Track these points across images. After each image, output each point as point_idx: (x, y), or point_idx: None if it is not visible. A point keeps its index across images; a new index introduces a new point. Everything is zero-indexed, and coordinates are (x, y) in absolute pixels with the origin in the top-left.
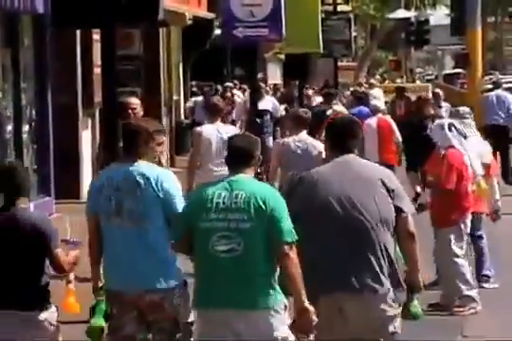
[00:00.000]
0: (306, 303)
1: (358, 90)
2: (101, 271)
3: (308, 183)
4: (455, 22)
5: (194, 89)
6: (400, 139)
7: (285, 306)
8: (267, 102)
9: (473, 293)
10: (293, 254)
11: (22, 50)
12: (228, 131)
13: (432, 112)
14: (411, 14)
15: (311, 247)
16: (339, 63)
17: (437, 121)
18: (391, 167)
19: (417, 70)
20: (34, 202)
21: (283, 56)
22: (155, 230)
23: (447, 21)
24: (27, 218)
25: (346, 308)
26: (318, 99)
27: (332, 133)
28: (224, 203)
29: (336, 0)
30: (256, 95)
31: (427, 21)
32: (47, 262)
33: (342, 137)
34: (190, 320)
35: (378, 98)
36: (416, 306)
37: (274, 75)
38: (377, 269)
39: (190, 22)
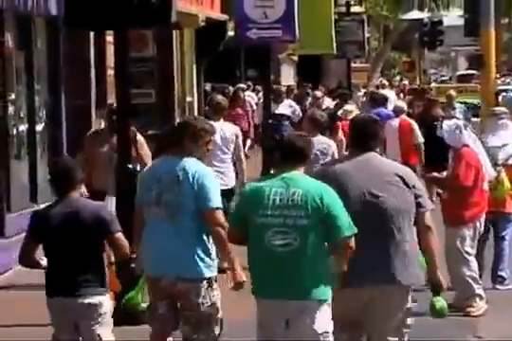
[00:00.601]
0: None
1: (375, 91)
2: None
3: (331, 177)
4: (469, 23)
5: (207, 88)
6: (422, 140)
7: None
8: (286, 107)
9: (482, 291)
10: (350, 246)
11: (35, 52)
12: (229, 129)
13: (442, 113)
14: (425, 15)
15: None
16: (353, 65)
17: (450, 122)
18: (412, 166)
19: (431, 71)
20: (49, 202)
21: (296, 57)
22: (189, 223)
23: (460, 22)
24: (82, 206)
25: (373, 299)
26: (327, 101)
27: (354, 131)
28: (281, 200)
29: (349, 1)
30: (270, 98)
31: (440, 22)
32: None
33: (364, 136)
34: (219, 315)
35: (391, 99)
36: (441, 301)
37: (287, 76)
38: (395, 262)
39: (203, 23)
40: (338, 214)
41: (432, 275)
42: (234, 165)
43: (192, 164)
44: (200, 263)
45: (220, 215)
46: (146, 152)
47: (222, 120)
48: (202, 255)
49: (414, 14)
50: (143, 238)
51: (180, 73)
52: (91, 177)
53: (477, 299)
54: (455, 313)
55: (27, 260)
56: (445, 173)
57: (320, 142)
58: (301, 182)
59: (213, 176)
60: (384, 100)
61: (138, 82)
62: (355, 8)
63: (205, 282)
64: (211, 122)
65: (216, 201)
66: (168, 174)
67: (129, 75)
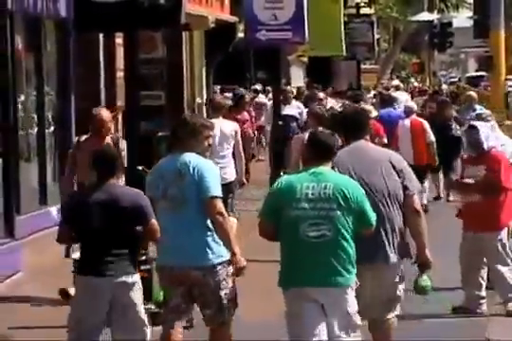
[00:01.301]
0: None
1: (384, 92)
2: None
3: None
4: (478, 24)
5: (217, 90)
6: (433, 139)
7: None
8: (293, 108)
9: None
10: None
11: (45, 54)
12: (229, 125)
13: (454, 113)
14: (434, 17)
15: None
16: (362, 66)
17: (482, 123)
18: (425, 165)
19: (440, 73)
20: (57, 205)
21: (306, 59)
22: (194, 214)
23: (470, 23)
24: (120, 192)
25: (364, 277)
26: (331, 102)
27: (346, 122)
28: (313, 193)
29: (359, 3)
30: (280, 99)
31: (450, 23)
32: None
33: (354, 126)
34: (231, 294)
35: (403, 100)
36: (426, 280)
37: (297, 78)
38: (385, 241)
39: (212, 25)
40: (365, 205)
41: (421, 254)
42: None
43: (192, 158)
44: (208, 251)
45: (219, 203)
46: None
47: (221, 118)
48: (209, 243)
49: (424, 16)
50: None
51: (190, 75)
52: (79, 186)
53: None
54: (466, 315)
55: (62, 240)
56: (468, 179)
57: None
58: (330, 176)
59: (214, 168)
60: (393, 101)
61: (148, 84)
62: (364, 10)
63: (218, 267)
64: (213, 120)
65: (215, 190)
66: (170, 170)
67: (139, 77)
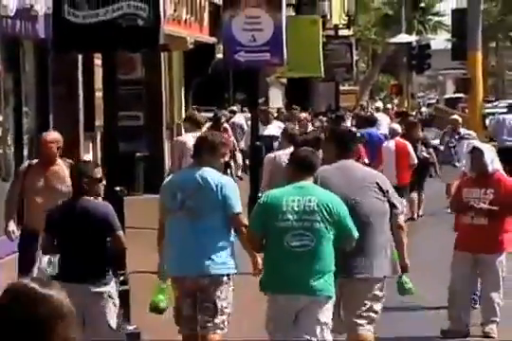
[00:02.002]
0: None
1: (362, 114)
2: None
3: (315, 182)
4: (456, 46)
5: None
6: (416, 161)
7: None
8: (275, 128)
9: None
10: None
11: (23, 74)
12: None
13: (421, 135)
14: (413, 39)
15: None
16: (341, 88)
17: (485, 145)
18: (406, 186)
19: (419, 94)
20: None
21: (284, 80)
22: (210, 226)
23: (448, 45)
24: (92, 206)
25: (344, 291)
26: (312, 124)
27: (331, 142)
28: (298, 206)
29: (337, 25)
30: (260, 120)
31: (428, 45)
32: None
33: (342, 146)
34: (230, 309)
35: (382, 122)
36: (407, 281)
37: (276, 99)
38: (370, 257)
39: (191, 46)
40: (347, 220)
41: (403, 260)
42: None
43: (213, 174)
44: (219, 261)
45: (243, 218)
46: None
47: (198, 133)
48: (221, 254)
49: (402, 38)
50: (166, 242)
51: (169, 95)
52: (24, 215)
53: (495, 326)
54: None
55: (46, 251)
56: (483, 204)
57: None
58: (314, 191)
59: (235, 185)
60: (373, 121)
61: (127, 105)
62: (343, 32)
63: (224, 278)
64: (189, 134)
65: (238, 207)
66: (190, 183)
67: (117, 97)
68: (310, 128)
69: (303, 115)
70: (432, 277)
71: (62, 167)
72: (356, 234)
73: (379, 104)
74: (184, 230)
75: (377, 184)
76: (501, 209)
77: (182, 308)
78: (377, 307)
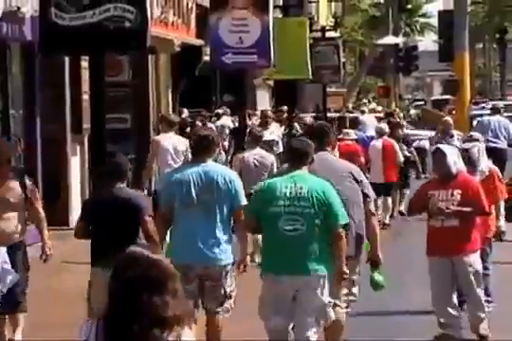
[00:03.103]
0: (345, 268)
1: (345, 115)
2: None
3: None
4: (443, 48)
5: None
6: (402, 159)
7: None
8: (274, 132)
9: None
10: (343, 232)
11: (10, 77)
12: (181, 141)
13: (402, 134)
14: (400, 40)
15: None
16: (328, 89)
17: (473, 146)
18: (392, 184)
19: (406, 96)
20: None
21: (271, 82)
22: (221, 218)
23: (435, 47)
24: (124, 194)
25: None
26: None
27: (309, 136)
28: (290, 193)
29: (324, 26)
30: (245, 122)
31: (415, 47)
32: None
33: (320, 138)
34: (235, 293)
35: (370, 123)
36: (378, 276)
37: (263, 101)
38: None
39: (178, 48)
40: (336, 205)
41: (375, 252)
42: None
43: (221, 168)
44: (227, 251)
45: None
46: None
47: (173, 133)
48: (228, 243)
49: (389, 39)
50: (176, 233)
51: (156, 98)
52: None
53: (485, 323)
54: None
55: (79, 236)
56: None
57: (260, 155)
58: (306, 179)
59: (238, 178)
60: (358, 123)
61: (114, 107)
62: (330, 34)
63: (229, 267)
64: (163, 134)
65: (244, 200)
66: (202, 177)
67: (104, 100)
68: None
69: (308, 118)
70: (422, 279)
71: (12, 178)
72: (342, 221)
73: (374, 106)
74: (198, 222)
75: (352, 174)
76: (479, 212)
77: (187, 286)
78: (355, 290)
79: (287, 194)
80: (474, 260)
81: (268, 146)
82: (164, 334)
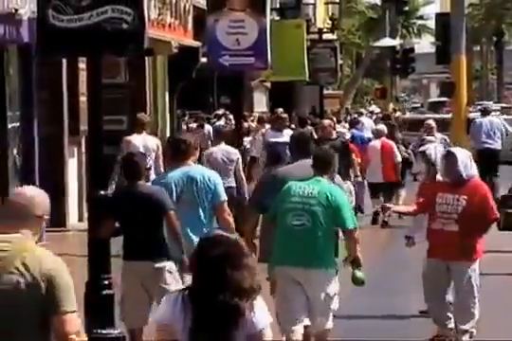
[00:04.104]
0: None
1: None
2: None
3: (280, 177)
4: (440, 50)
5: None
6: (400, 159)
7: (337, 271)
8: (289, 134)
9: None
10: (355, 235)
11: (8, 79)
12: (151, 140)
13: (400, 136)
14: (397, 43)
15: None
16: (325, 91)
17: (462, 151)
18: (392, 184)
19: (403, 98)
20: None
21: (268, 84)
22: (204, 214)
23: (432, 49)
24: (146, 190)
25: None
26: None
27: (291, 144)
28: (303, 192)
29: (321, 29)
30: (241, 123)
31: (412, 49)
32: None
33: (297, 147)
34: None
35: (367, 125)
36: (360, 273)
37: (260, 103)
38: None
39: (175, 50)
40: (343, 209)
41: (354, 254)
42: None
43: (203, 169)
44: None
45: (226, 206)
46: None
47: (144, 133)
48: None
49: (386, 42)
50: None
51: (153, 99)
52: None
53: (467, 336)
54: None
55: (104, 234)
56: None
57: (226, 150)
58: (321, 183)
59: (217, 175)
60: (356, 123)
61: (110, 109)
62: (327, 36)
63: None
64: (135, 135)
65: (225, 196)
66: (187, 178)
67: (102, 101)
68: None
69: (327, 121)
70: (418, 279)
71: None
72: (351, 226)
73: (375, 108)
74: (184, 220)
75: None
76: (473, 217)
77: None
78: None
79: (300, 193)
80: (471, 268)
81: (282, 148)
82: (242, 302)
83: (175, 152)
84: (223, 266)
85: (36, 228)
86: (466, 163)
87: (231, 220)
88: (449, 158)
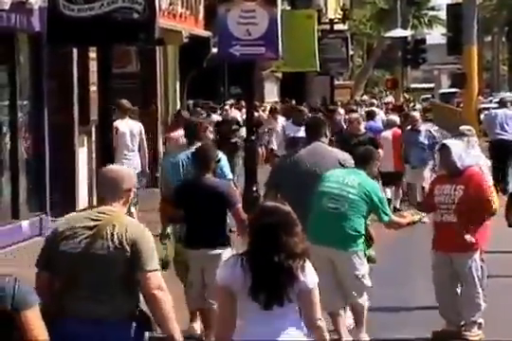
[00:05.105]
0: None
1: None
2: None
3: (291, 161)
4: (451, 41)
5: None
6: None
7: (365, 254)
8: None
9: (482, 320)
10: (389, 226)
11: (18, 68)
12: (135, 125)
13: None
14: (408, 33)
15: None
16: (336, 82)
17: (456, 141)
18: (402, 172)
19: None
20: (30, 220)
21: (279, 74)
22: None
23: (443, 40)
24: (214, 182)
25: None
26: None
27: (306, 128)
28: (343, 179)
29: (332, 19)
30: (252, 114)
31: (423, 40)
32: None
33: (312, 131)
34: None
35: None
36: (371, 251)
37: (271, 93)
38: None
39: (186, 40)
40: (380, 204)
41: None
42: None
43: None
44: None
45: (232, 184)
46: None
47: (128, 118)
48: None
49: (398, 32)
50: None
51: (163, 89)
52: None
53: (475, 328)
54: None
55: (172, 221)
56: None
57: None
58: (361, 176)
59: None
60: (374, 115)
61: (121, 99)
62: (338, 26)
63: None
64: (119, 120)
65: (231, 175)
66: (190, 159)
67: (112, 91)
68: (362, 130)
69: (354, 116)
70: (426, 274)
71: None
72: (386, 219)
73: (390, 99)
74: None
75: (339, 160)
76: (470, 206)
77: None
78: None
79: (340, 180)
80: (471, 259)
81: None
82: (294, 264)
83: (186, 133)
84: (278, 233)
85: (125, 200)
86: (461, 154)
87: (240, 198)
88: (444, 151)
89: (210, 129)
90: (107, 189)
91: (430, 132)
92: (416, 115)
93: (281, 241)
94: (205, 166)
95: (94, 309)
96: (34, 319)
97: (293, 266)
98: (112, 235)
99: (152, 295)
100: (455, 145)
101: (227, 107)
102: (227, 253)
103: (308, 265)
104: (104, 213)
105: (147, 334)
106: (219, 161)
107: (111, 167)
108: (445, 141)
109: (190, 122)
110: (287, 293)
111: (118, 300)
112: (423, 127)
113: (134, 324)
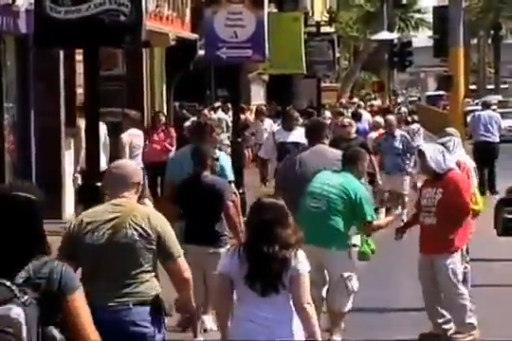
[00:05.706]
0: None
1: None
2: None
3: (295, 164)
4: (438, 44)
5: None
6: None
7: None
8: (299, 133)
9: (474, 320)
10: (372, 226)
11: (5, 70)
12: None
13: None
14: (394, 36)
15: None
16: (323, 84)
17: (431, 146)
18: None
19: (400, 92)
20: None
21: (266, 77)
22: None
23: (429, 43)
24: (210, 181)
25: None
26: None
27: (307, 130)
28: (327, 180)
29: (319, 21)
30: (239, 116)
31: (409, 43)
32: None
33: (313, 133)
34: None
35: (365, 118)
36: (365, 247)
37: (257, 96)
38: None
39: (173, 42)
40: (362, 203)
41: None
42: None
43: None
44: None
45: (233, 185)
46: None
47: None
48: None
49: (384, 35)
50: None
51: (150, 92)
52: None
53: (467, 328)
54: None
55: (169, 219)
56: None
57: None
58: (346, 176)
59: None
60: (359, 117)
61: (107, 101)
62: (325, 29)
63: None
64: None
65: (232, 175)
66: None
67: (99, 93)
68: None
69: (346, 120)
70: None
71: None
72: (369, 219)
73: (378, 103)
74: None
75: (338, 160)
76: (448, 209)
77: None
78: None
79: (324, 181)
80: (449, 262)
81: (292, 149)
82: (288, 253)
83: (192, 132)
84: (273, 226)
85: (136, 192)
86: (437, 158)
87: (237, 198)
88: (420, 156)
89: (218, 131)
90: (118, 184)
91: (405, 137)
92: (391, 118)
93: (276, 233)
94: (201, 163)
95: (116, 296)
96: (80, 303)
97: (287, 255)
98: (136, 224)
99: (183, 279)
100: (430, 149)
101: (205, 111)
102: (226, 251)
103: (301, 253)
104: (120, 205)
105: (166, 319)
106: (217, 159)
107: (118, 162)
108: (421, 146)
109: (197, 123)
110: (282, 280)
111: (140, 287)
112: (398, 132)
113: (154, 309)
